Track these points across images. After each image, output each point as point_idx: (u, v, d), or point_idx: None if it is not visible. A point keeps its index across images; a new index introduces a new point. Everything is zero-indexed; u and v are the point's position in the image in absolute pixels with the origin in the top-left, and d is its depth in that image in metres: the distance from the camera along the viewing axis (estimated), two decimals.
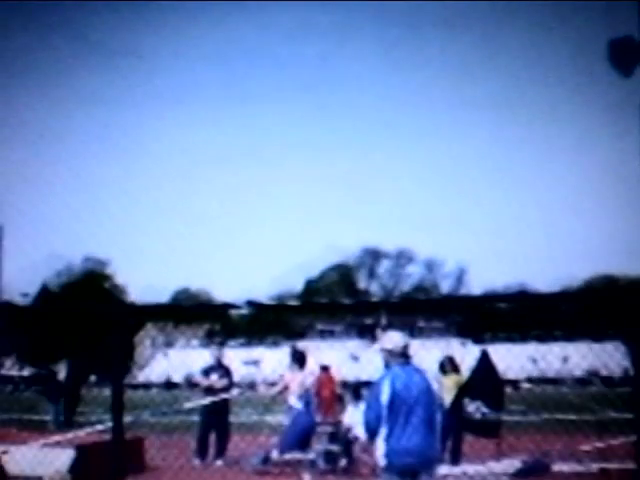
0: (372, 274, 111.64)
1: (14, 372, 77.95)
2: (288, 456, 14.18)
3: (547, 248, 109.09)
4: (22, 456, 11.87)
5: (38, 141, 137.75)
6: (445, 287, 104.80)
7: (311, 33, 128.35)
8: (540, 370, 70.64)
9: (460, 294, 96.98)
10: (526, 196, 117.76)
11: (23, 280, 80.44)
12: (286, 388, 15.54)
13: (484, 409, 15.92)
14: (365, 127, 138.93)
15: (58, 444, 12.99)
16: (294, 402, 14.37)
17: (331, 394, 24.16)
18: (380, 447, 8.06)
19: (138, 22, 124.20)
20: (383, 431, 8.02)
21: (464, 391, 15.91)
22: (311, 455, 14.34)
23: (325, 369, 25.54)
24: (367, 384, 8.94)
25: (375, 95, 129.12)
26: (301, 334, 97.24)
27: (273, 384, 16.61)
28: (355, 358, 74.40)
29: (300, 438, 14.33)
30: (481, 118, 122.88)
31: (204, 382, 16.67)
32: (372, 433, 8.20)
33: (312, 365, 15.25)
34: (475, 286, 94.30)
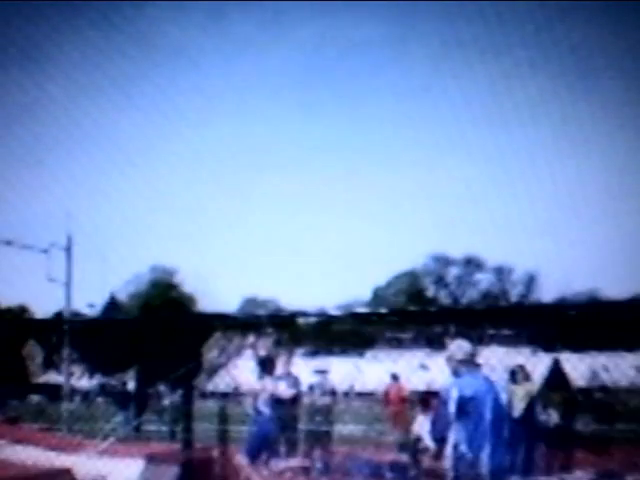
0: (440, 281, 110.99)
1: (83, 381, 79.05)
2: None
3: (619, 253, 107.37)
4: (92, 465, 11.96)
5: (103, 149, 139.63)
6: (514, 294, 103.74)
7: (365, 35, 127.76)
8: (613, 379, 69.47)
9: (530, 301, 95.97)
10: (597, 200, 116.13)
11: (91, 291, 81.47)
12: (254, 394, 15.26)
13: (556, 419, 15.67)
14: (431, 132, 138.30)
15: (127, 453, 13.06)
16: (262, 408, 14.20)
17: (400, 403, 24.05)
18: (449, 457, 7.97)
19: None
20: (452, 440, 7.93)
21: (536, 400, 15.70)
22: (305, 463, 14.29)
23: (395, 378, 25.45)
24: (437, 393, 8.86)
25: (440, 97, 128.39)
26: (370, 343, 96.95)
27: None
28: (424, 367, 74.01)
29: (265, 443, 14.16)
30: (551, 121, 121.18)
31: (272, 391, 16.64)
32: (438, 441, 8.13)
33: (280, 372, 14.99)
34: (545, 293, 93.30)
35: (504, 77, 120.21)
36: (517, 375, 16.54)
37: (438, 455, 8.94)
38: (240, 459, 13.38)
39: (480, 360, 8.62)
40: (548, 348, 69.94)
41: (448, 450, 8.01)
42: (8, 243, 28.06)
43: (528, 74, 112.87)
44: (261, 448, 13.90)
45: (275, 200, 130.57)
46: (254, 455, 13.85)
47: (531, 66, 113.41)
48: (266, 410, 13.90)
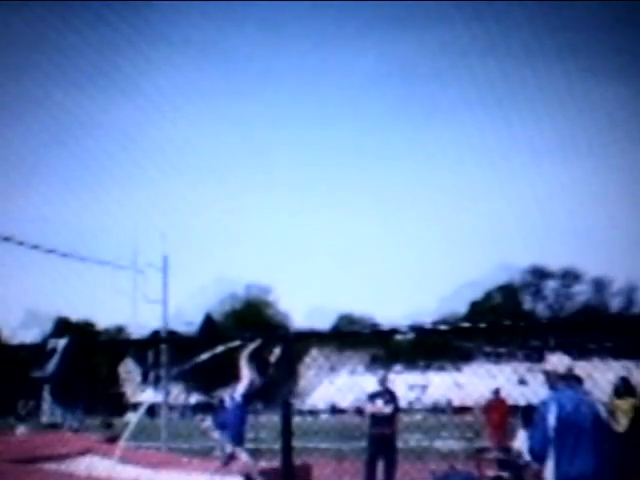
0: (538, 294, 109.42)
1: (181, 400, 79.97)
2: None
3: None
4: None
5: (198, 171, 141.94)
6: (615, 306, 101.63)
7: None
8: None
9: (632, 313, 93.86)
10: None
11: (188, 309, 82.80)
12: None
13: None
14: (535, 142, 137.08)
15: (227, 470, 13.15)
16: (226, 399, 14.74)
17: (501, 418, 23.70)
18: (550, 474, 7.79)
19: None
20: (552, 456, 7.75)
21: None
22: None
23: (496, 393, 25.10)
24: (537, 408, 8.67)
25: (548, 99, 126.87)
26: (467, 357, 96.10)
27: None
28: (523, 382, 73.05)
29: (240, 430, 14.66)
30: None
31: (370, 408, 16.56)
32: (537, 457, 7.95)
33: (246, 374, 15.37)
34: None
35: None
36: (620, 389, 16.14)
37: (539, 472, 8.74)
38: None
39: (581, 374, 8.43)
40: None
41: (549, 466, 7.83)
42: (104, 264, 28.58)
43: None
44: (238, 433, 14.60)
45: (370, 217, 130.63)
46: (237, 441, 14.59)
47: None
48: (229, 401, 14.59)
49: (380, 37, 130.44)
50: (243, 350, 14.67)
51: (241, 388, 14.77)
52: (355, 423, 25.63)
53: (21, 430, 32.71)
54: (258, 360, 15.03)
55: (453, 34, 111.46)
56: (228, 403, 14.90)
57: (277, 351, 14.43)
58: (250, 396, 15.08)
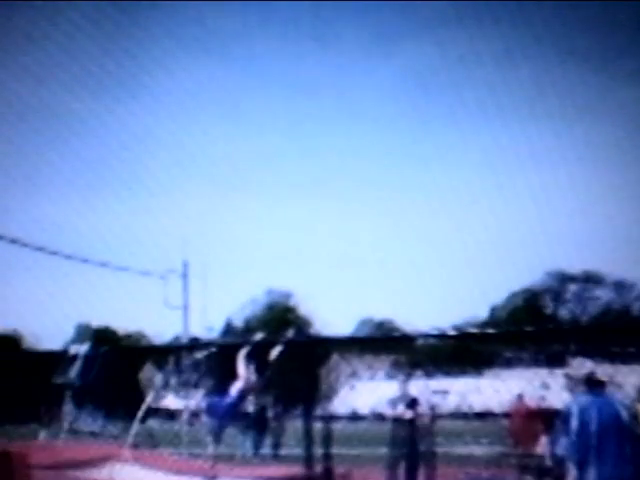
0: (559, 298, 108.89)
1: (201, 406, 79.96)
2: None
3: None
4: None
5: (217, 176, 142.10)
6: (637, 310, 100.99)
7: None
8: None
9: None
10: None
11: (207, 315, 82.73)
12: None
13: None
14: (556, 141, 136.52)
15: (247, 475, 13.18)
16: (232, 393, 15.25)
17: (524, 423, 23.58)
18: (574, 477, 7.77)
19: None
20: (575, 460, 7.73)
21: None
22: None
23: (520, 398, 25.01)
24: (559, 413, 8.65)
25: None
26: (488, 362, 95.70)
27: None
28: (546, 386, 72.75)
29: (224, 423, 15.29)
30: None
31: (391, 413, 16.55)
32: (561, 461, 7.96)
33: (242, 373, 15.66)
34: None
35: None
36: None
37: (561, 475, 8.72)
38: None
39: (604, 378, 8.39)
40: None
41: (573, 470, 7.80)
42: (125, 270, 28.71)
43: None
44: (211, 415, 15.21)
45: (387, 219, 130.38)
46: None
47: None
48: (225, 395, 15.25)
49: (387, 39, 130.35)
50: (240, 350, 15.15)
51: (238, 385, 15.16)
52: (375, 429, 25.59)
53: (43, 437, 32.85)
54: (257, 360, 15.30)
55: (461, 37, 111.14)
56: (224, 396, 15.37)
57: (275, 352, 14.67)
58: (245, 394, 15.55)
